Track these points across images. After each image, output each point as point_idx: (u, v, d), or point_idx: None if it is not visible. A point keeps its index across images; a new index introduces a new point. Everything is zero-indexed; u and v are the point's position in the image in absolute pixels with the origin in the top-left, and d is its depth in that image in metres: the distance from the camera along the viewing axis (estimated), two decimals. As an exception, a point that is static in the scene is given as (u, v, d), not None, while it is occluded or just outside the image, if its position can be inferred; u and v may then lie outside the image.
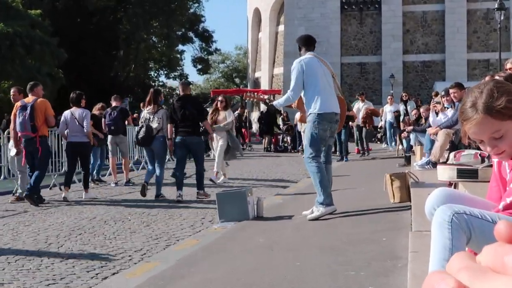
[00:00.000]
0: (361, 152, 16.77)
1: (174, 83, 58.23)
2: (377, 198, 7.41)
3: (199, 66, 53.94)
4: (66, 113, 9.95)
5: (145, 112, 9.59)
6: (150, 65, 50.71)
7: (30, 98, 9.27)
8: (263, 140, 23.44)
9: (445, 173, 6.02)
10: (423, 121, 11.62)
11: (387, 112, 18.13)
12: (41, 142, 9.18)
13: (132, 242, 6.18)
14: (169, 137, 9.37)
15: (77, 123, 9.74)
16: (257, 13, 45.19)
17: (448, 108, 9.77)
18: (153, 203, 9.00)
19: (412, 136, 11.52)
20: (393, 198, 6.88)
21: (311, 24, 38.58)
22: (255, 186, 10.48)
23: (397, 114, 17.24)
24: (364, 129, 16.44)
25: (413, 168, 9.45)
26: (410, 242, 4.32)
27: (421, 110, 12.11)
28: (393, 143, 18.08)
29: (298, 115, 7.02)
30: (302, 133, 15.25)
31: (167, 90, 58.22)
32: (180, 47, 51.14)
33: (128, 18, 40.81)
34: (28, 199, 9.03)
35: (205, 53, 54.05)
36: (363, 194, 8.53)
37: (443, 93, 10.02)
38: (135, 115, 19.28)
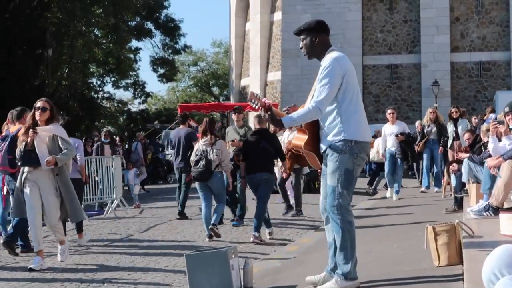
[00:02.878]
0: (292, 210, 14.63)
1: (125, 95, 58.26)
2: (414, 260, 7.39)
3: (161, 71, 54.07)
4: None
5: (201, 144, 11.52)
6: (91, 70, 50.66)
7: (15, 127, 10.14)
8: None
9: (511, 223, 6.04)
10: (482, 148, 11.65)
11: (387, 135, 16.63)
12: None
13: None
14: (242, 175, 11.76)
15: None
16: (243, -5, 45.63)
17: (515, 130, 9.83)
18: (88, 272, 8.92)
19: (464, 169, 11.54)
20: (437, 260, 6.88)
21: (320, 9, 38.87)
22: (242, 244, 10.43)
23: (402, 139, 16.24)
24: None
25: (466, 215, 9.47)
26: (462, 325, 4.33)
27: (481, 131, 12.09)
28: (396, 185, 16.44)
29: (296, 139, 6.67)
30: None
31: (116, 104, 58.19)
32: (134, 43, 51.37)
33: (59, 2, 40.94)
34: (5, 247, 10.23)
35: (170, 51, 54.20)
36: (395, 254, 8.52)
37: (507, 109, 10.09)
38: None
